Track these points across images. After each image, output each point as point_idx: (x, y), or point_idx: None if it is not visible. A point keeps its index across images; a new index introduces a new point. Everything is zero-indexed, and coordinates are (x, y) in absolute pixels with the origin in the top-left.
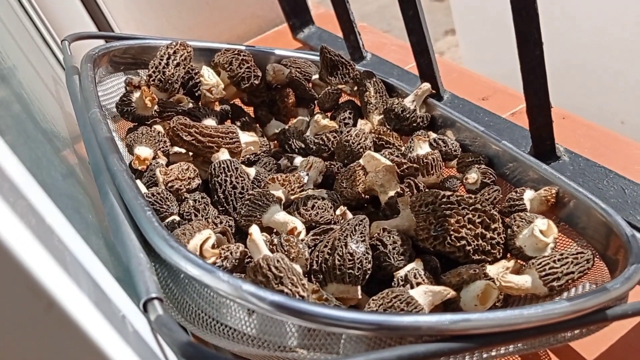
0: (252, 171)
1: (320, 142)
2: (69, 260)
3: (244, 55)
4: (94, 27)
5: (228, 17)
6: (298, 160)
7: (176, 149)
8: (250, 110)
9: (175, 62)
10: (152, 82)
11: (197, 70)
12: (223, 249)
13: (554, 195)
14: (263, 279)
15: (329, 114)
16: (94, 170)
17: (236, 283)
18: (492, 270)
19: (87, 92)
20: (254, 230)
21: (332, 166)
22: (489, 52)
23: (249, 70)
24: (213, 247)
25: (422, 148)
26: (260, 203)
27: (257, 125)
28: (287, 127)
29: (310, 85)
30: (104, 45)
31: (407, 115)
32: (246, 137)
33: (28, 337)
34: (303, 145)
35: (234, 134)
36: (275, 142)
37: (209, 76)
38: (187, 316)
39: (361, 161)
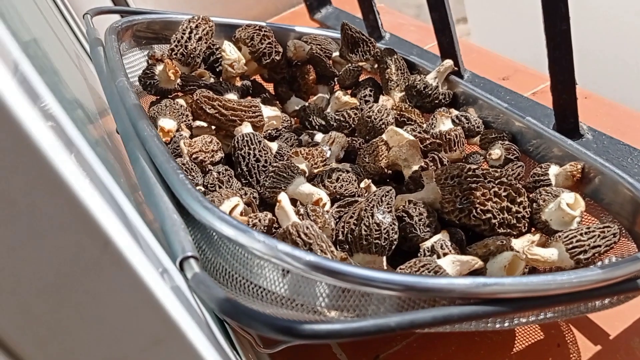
0: (274, 145)
1: (341, 118)
2: (118, 210)
3: (265, 31)
4: (111, 3)
5: None
6: (319, 136)
7: (199, 122)
8: (270, 86)
9: (197, 36)
10: (174, 56)
11: (218, 46)
12: (251, 217)
13: (579, 170)
14: (292, 245)
15: (349, 92)
16: (123, 137)
17: (272, 243)
18: (517, 244)
19: (113, 62)
20: (283, 197)
21: (354, 141)
22: (501, 40)
23: (270, 46)
24: (241, 214)
25: (444, 124)
26: (285, 175)
27: (277, 102)
28: (307, 104)
29: (331, 62)
30: (127, 19)
31: (429, 92)
32: (268, 111)
33: (86, 274)
34: (323, 122)
35: (257, 108)
36: (296, 118)
37: (230, 51)
38: (219, 278)
39: (384, 136)
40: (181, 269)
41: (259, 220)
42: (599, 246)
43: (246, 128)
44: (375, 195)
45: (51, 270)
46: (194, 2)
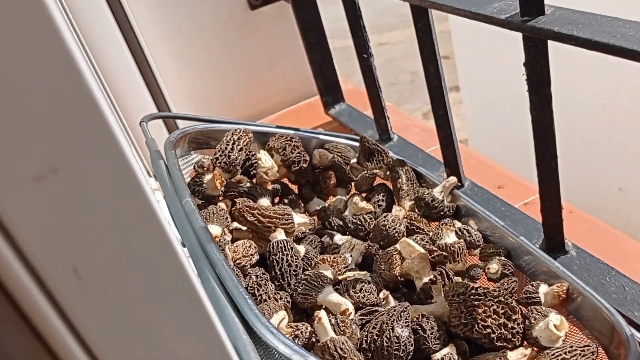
0: (301, 249)
1: (358, 222)
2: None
3: (295, 142)
4: (148, 94)
5: (265, 88)
6: (337, 237)
7: (236, 224)
8: (294, 187)
9: (238, 147)
10: (218, 164)
11: (253, 153)
12: (293, 327)
13: (565, 291)
14: (330, 357)
15: (364, 195)
16: (191, 254)
17: None
18: (511, 356)
19: (177, 181)
20: (323, 315)
21: (370, 247)
22: (492, 109)
23: (299, 155)
24: (286, 326)
25: (449, 237)
26: (316, 284)
27: (301, 201)
28: (327, 205)
29: (349, 168)
30: (181, 131)
31: (436, 205)
32: (299, 219)
33: None
34: (342, 223)
35: (289, 216)
36: (316, 217)
37: (265, 160)
38: None
39: (398, 246)
40: None
41: (301, 333)
42: None
43: (280, 235)
44: (395, 310)
45: None
46: (220, 93)
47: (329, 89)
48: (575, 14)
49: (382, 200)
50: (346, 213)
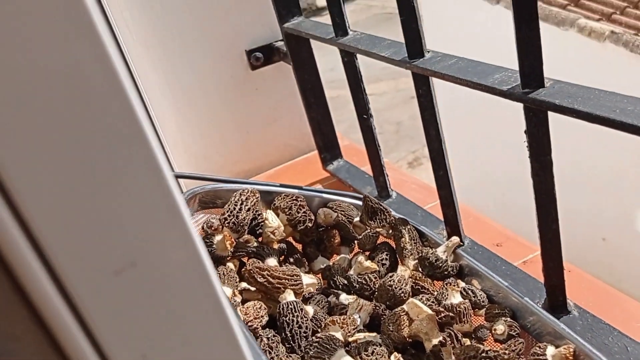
0: (310, 310)
1: (363, 281)
2: None
3: (300, 201)
4: None
5: (264, 144)
6: (343, 297)
7: (245, 285)
8: (298, 246)
9: (246, 207)
10: (226, 224)
11: (259, 212)
12: None
13: (572, 353)
14: None
15: (367, 253)
16: None
17: None
18: None
19: None
20: None
21: (377, 308)
22: (476, 162)
23: (304, 214)
24: None
25: (455, 297)
26: (328, 347)
27: (305, 260)
28: (331, 263)
29: (352, 226)
30: (192, 190)
31: (440, 265)
32: (307, 279)
33: None
34: (346, 282)
35: (298, 277)
36: (320, 275)
37: (272, 220)
38: None
39: (405, 307)
40: None
41: None
42: None
43: (289, 296)
44: None
45: None
46: (220, 148)
47: (327, 146)
48: (574, 88)
49: (386, 259)
50: (351, 272)
